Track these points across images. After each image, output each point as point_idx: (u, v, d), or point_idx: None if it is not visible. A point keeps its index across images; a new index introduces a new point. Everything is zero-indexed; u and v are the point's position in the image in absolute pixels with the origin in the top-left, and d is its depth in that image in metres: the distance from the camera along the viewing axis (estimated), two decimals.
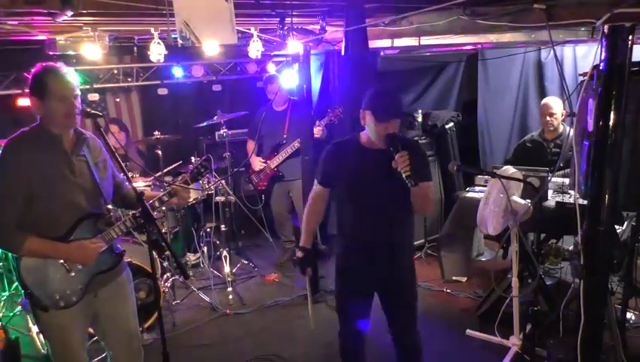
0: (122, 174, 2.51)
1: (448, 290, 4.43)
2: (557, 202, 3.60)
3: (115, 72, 5.15)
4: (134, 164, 4.48)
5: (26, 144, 2.20)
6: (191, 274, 4.82)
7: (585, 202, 2.45)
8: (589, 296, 2.47)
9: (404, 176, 2.33)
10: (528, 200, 3.19)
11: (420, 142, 5.21)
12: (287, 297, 4.47)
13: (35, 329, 3.55)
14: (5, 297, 4.16)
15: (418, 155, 2.50)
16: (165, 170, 4.60)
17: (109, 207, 2.48)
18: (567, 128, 4.25)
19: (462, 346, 3.61)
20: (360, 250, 2.67)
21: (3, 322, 3.69)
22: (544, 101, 4.42)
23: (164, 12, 2.50)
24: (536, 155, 4.30)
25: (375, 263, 2.64)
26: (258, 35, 3.37)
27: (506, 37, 3.43)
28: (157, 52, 3.11)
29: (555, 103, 4.27)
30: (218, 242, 5.01)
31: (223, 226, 4.79)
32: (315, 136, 4.56)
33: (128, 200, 2.60)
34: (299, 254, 2.80)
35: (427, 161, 2.64)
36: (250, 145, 5.11)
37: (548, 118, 4.27)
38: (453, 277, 4.61)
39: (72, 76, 2.23)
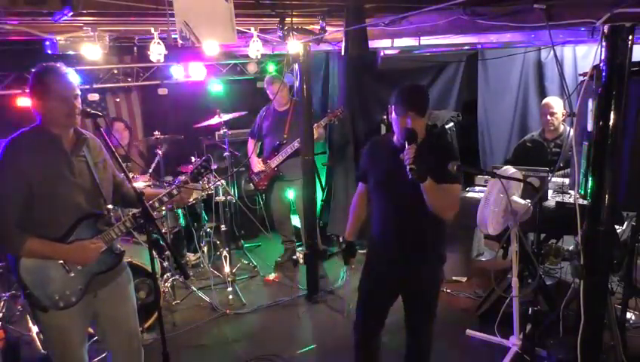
0: (122, 174, 2.51)
1: (448, 290, 4.43)
2: (557, 202, 3.60)
3: (115, 72, 5.15)
4: (135, 164, 4.48)
5: (26, 144, 2.21)
6: (191, 274, 4.82)
7: (585, 202, 2.45)
8: (589, 296, 2.46)
9: (407, 168, 2.29)
10: (528, 200, 3.19)
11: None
12: (287, 297, 4.47)
13: (35, 329, 3.54)
14: (6, 297, 4.16)
15: (437, 153, 2.47)
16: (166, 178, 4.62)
17: (109, 206, 2.47)
18: (567, 128, 4.25)
19: (462, 346, 3.61)
20: (384, 248, 2.69)
21: (3, 322, 3.69)
22: (545, 101, 4.42)
23: (164, 12, 2.50)
24: (536, 155, 4.30)
25: (397, 263, 2.64)
26: (258, 35, 3.37)
27: (506, 37, 3.43)
28: (157, 52, 3.11)
29: (555, 103, 4.27)
30: (218, 242, 5.01)
31: (223, 226, 4.79)
32: (315, 136, 4.56)
33: (129, 200, 2.60)
34: (342, 246, 2.92)
35: (452, 160, 2.45)
36: (251, 145, 5.11)
37: (549, 118, 4.27)
38: (453, 277, 4.61)
39: (72, 76, 2.23)
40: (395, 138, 2.58)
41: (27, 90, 2.25)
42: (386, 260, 2.69)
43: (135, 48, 3.85)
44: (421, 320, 2.75)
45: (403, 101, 2.46)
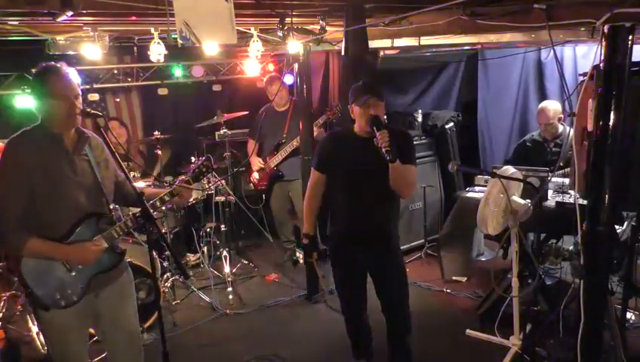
0: (122, 173, 2.50)
1: (448, 290, 4.43)
2: (557, 202, 3.60)
3: (115, 72, 5.14)
4: (135, 163, 4.48)
5: (27, 143, 2.21)
6: (191, 274, 4.82)
7: (585, 202, 2.45)
8: (589, 296, 2.46)
9: (383, 150, 2.49)
10: (528, 200, 3.19)
11: (420, 142, 5.21)
12: (287, 297, 4.47)
13: (35, 329, 3.54)
14: (5, 297, 4.16)
15: (403, 139, 2.72)
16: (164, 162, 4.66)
17: (111, 206, 2.47)
18: (567, 128, 4.25)
19: (462, 346, 3.61)
20: (352, 233, 2.85)
21: (3, 322, 3.69)
22: (540, 107, 4.36)
23: (165, 12, 2.50)
24: (536, 155, 4.30)
25: (366, 244, 2.83)
26: (258, 35, 3.37)
27: (506, 37, 3.43)
28: (157, 52, 3.11)
29: (550, 112, 4.23)
30: (218, 242, 5.01)
31: (223, 226, 4.79)
32: (315, 136, 4.55)
33: (130, 200, 2.60)
34: (304, 241, 3.00)
35: (413, 148, 2.84)
36: (250, 145, 5.11)
37: (544, 127, 4.28)
38: (453, 277, 4.61)
39: (73, 76, 2.23)
40: (356, 129, 2.78)
41: (28, 90, 2.25)
42: (354, 243, 2.85)
43: (135, 48, 3.86)
44: (396, 296, 2.91)
45: (361, 91, 2.68)
